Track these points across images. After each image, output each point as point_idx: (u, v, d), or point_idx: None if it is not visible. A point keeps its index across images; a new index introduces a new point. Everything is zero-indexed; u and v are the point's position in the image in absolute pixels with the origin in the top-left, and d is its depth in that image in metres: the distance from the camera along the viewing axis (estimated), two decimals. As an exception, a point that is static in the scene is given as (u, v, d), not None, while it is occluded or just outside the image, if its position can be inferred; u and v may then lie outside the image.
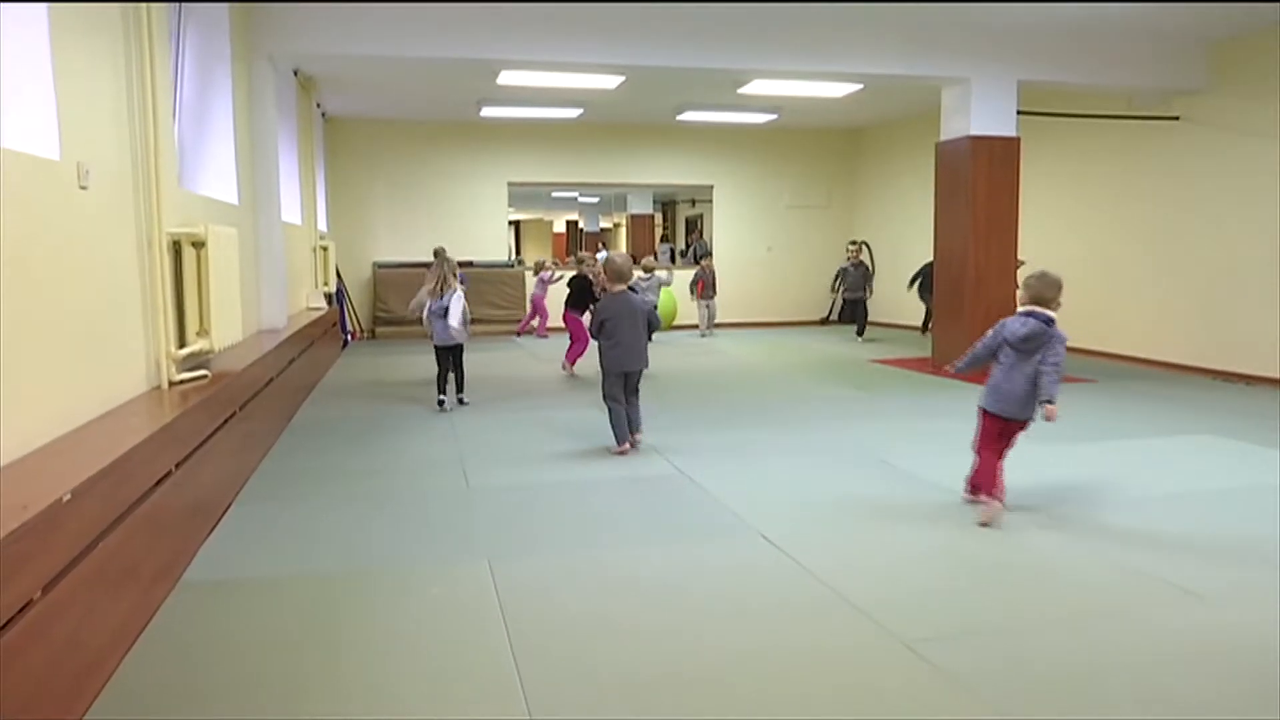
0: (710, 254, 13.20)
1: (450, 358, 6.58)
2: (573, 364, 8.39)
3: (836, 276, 12.14)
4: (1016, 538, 3.64)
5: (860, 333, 11.01)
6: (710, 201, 13.94)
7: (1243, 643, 2.66)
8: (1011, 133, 7.86)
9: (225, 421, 4.13)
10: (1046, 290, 3.86)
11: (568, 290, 8.73)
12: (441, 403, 6.51)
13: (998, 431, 3.96)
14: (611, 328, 5.07)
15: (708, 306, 11.78)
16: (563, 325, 8.88)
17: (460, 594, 3.07)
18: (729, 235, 13.48)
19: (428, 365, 8.11)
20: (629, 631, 2.76)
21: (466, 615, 2.89)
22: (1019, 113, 7.90)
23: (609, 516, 3.98)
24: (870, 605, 2.93)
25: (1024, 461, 4.91)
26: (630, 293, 5.24)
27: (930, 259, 8.81)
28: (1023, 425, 3.96)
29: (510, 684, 2.42)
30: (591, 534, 3.73)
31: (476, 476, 4.65)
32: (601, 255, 8.79)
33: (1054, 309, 3.86)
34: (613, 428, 5.16)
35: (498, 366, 8.99)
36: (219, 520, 3.86)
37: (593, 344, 5.88)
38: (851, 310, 11.53)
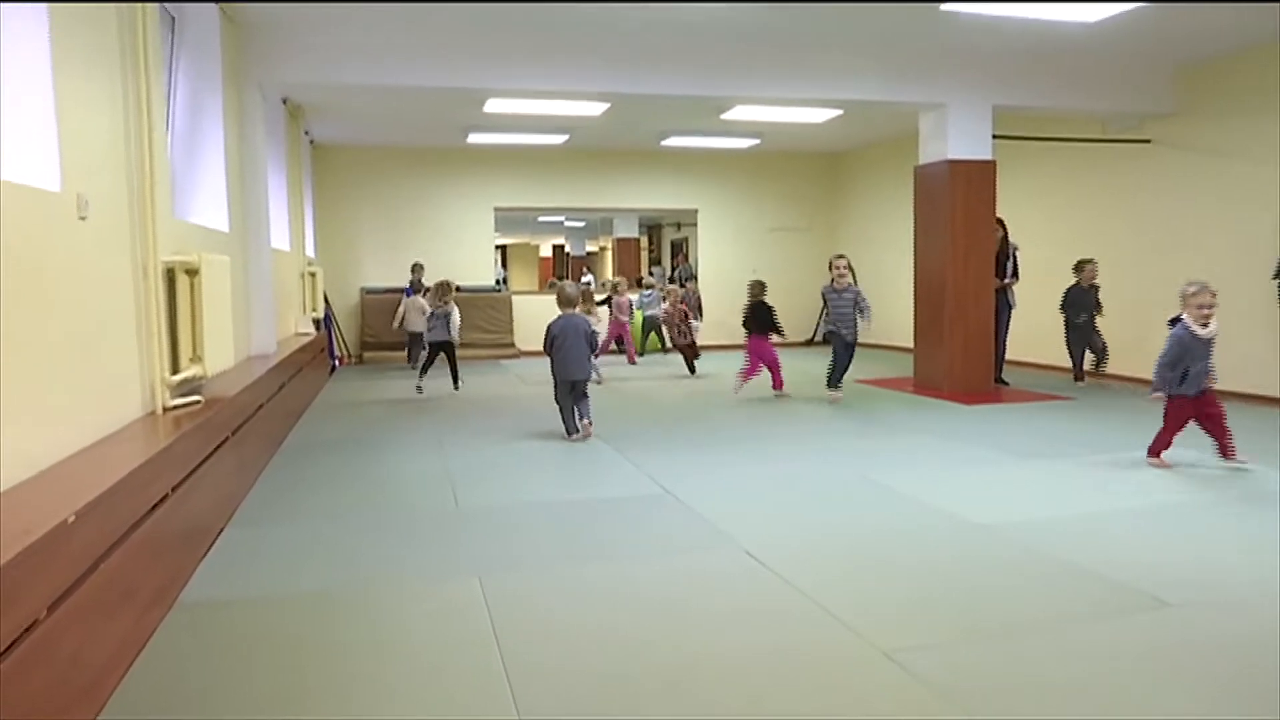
0: (695, 277, 13.34)
1: (443, 352, 8.52)
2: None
3: (824, 309, 8.47)
4: (992, 548, 3.74)
5: (831, 380, 7.77)
6: (695, 225, 14.11)
7: (1211, 648, 2.76)
8: (987, 156, 8.03)
9: (219, 446, 4.20)
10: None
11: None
12: (420, 389, 8.50)
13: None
14: (559, 344, 6.16)
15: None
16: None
17: (452, 610, 3.14)
18: (714, 258, 13.63)
19: (414, 391, 8.27)
20: (617, 643, 2.84)
21: (458, 631, 2.96)
22: (994, 137, 8.07)
23: (597, 534, 4.07)
24: (850, 615, 3.01)
25: (1001, 476, 5.03)
26: (575, 315, 6.30)
27: (1073, 283, 8.56)
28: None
29: (503, 698, 2.49)
30: (580, 551, 3.81)
31: (465, 497, 4.73)
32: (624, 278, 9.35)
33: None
34: (563, 422, 6.26)
35: (484, 389, 9.07)
36: (213, 542, 3.92)
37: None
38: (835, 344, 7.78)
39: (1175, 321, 5.00)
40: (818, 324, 13.41)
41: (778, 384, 8.14)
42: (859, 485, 4.88)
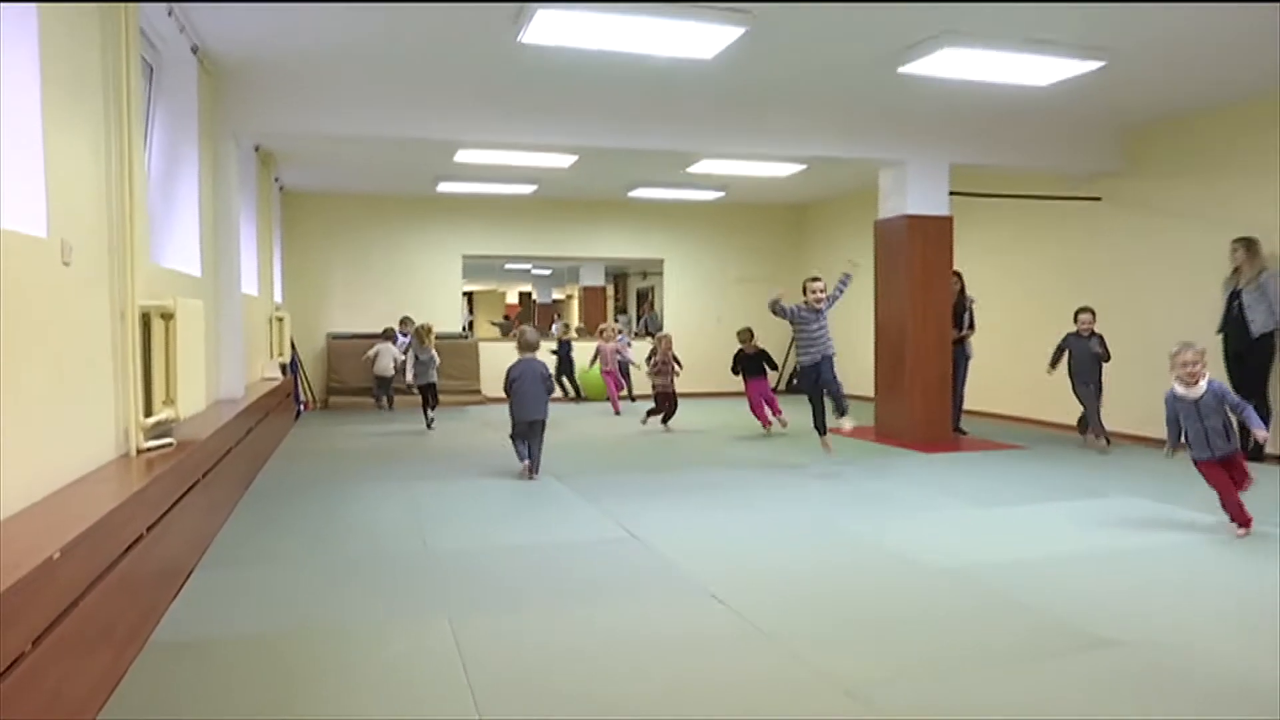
0: (660, 326, 13.47)
1: (429, 392, 9.55)
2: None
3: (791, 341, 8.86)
4: (949, 590, 3.86)
5: (818, 425, 7.17)
6: (660, 274, 14.32)
7: (1150, 685, 2.89)
8: (945, 212, 8.31)
9: (191, 488, 4.23)
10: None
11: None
12: (430, 422, 9.46)
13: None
14: (518, 386, 6.54)
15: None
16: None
17: (423, 650, 3.19)
18: (680, 307, 13.82)
19: (381, 434, 8.35)
20: (586, 683, 2.91)
21: (430, 671, 3.01)
22: (951, 193, 8.36)
23: (565, 576, 4.14)
24: (811, 654, 3.11)
25: (959, 522, 5.18)
26: (534, 359, 6.66)
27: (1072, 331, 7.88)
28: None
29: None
30: (548, 593, 3.88)
31: (434, 540, 4.78)
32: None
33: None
34: (516, 454, 6.69)
35: (451, 434, 9.11)
36: (185, 583, 3.94)
37: None
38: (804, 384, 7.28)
39: None
40: (791, 370, 13.61)
41: (777, 411, 9.06)
42: (822, 530, 5.00)
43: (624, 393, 11.28)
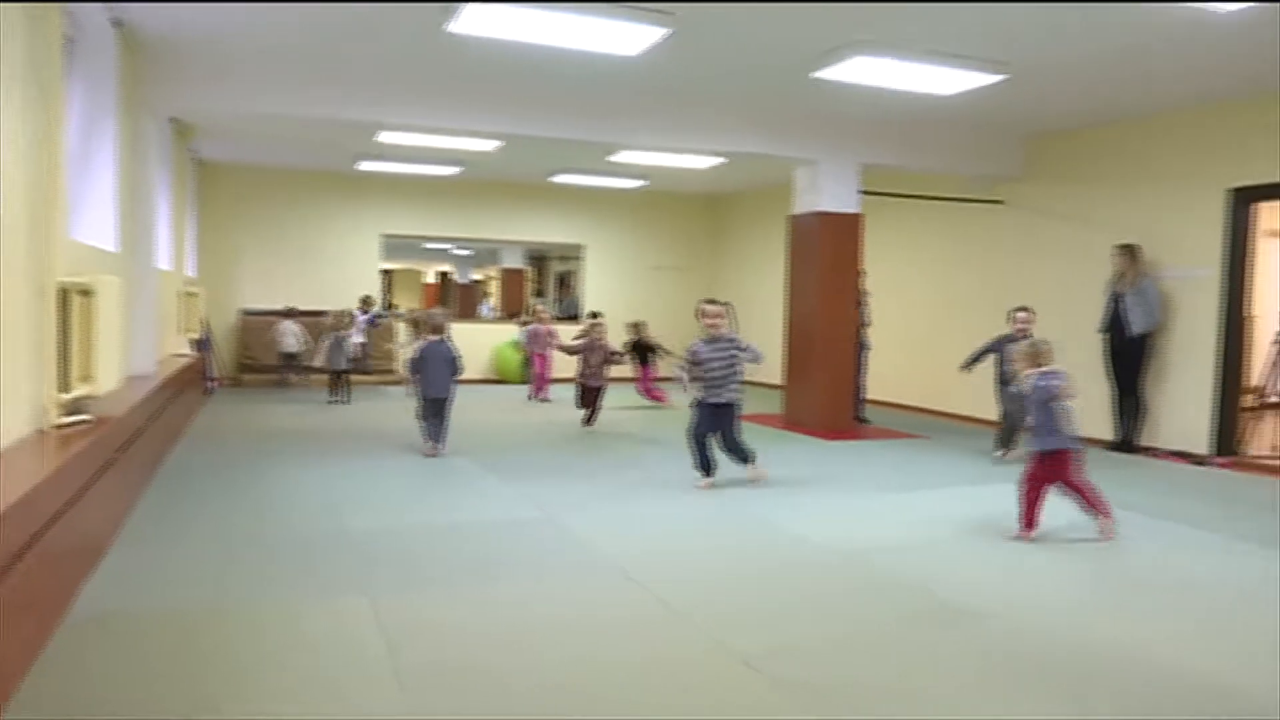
0: (595, 313, 12.95)
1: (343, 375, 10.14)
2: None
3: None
4: (841, 568, 4.14)
5: (735, 454, 6.00)
6: (580, 259, 14.46)
7: (1014, 653, 3.20)
8: (854, 210, 8.65)
9: (108, 464, 4.26)
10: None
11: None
12: (333, 401, 9.90)
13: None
14: (424, 366, 6.92)
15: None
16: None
17: (342, 626, 3.32)
18: (599, 293, 13.97)
19: (294, 412, 8.37)
20: (503, 656, 3.09)
21: (350, 648, 3.13)
22: (861, 192, 8.71)
23: (481, 554, 4.30)
24: (714, 627, 3.35)
25: (855, 505, 5.49)
26: (440, 341, 6.99)
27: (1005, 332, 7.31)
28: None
29: (398, 708, 2.70)
30: (465, 570, 4.04)
31: (350, 519, 4.88)
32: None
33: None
34: (421, 435, 6.96)
35: (368, 414, 9.14)
36: (101, 559, 3.98)
37: None
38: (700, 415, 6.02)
39: None
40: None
41: (660, 397, 9.97)
42: (728, 512, 5.25)
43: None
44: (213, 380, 11.17)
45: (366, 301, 12.08)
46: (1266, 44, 5.86)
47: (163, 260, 8.01)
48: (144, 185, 6.79)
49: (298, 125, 8.89)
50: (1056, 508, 5.16)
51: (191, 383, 8.70)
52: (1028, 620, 3.55)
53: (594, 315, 11.67)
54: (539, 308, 11.68)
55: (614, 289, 14.02)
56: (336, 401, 10.03)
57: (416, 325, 10.76)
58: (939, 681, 2.96)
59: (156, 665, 2.95)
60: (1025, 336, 6.72)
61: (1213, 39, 5.77)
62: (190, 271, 10.71)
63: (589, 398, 8.73)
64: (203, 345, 10.63)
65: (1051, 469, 4.81)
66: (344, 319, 10.35)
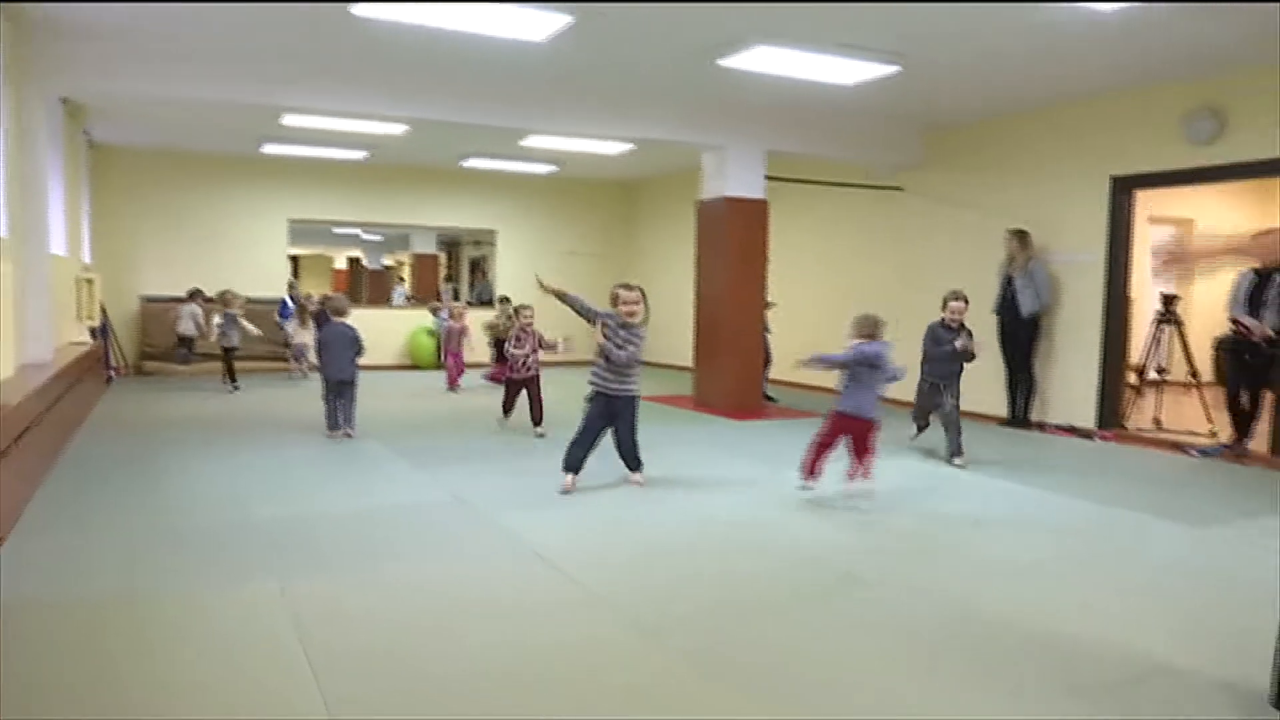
0: (507, 299, 12.72)
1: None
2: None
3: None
4: (741, 542, 4.31)
5: (631, 456, 5.54)
6: (494, 244, 14.43)
7: (902, 618, 3.40)
8: (761, 196, 8.85)
9: (3, 453, 4.17)
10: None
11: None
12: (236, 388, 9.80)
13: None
14: (326, 348, 7.16)
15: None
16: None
17: (253, 612, 3.33)
18: (513, 278, 13.94)
19: (197, 400, 8.25)
20: (413, 635, 3.15)
21: (261, 635, 3.13)
22: (767, 178, 8.91)
23: (392, 537, 4.34)
24: (620, 600, 3.48)
25: (757, 480, 5.67)
26: (344, 324, 7.15)
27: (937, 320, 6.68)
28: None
29: (309, 687, 2.72)
30: (376, 553, 4.08)
31: (258, 509, 4.85)
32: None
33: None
34: (325, 417, 7.10)
35: (273, 404, 9.01)
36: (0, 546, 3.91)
37: None
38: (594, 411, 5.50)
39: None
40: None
41: None
42: (636, 491, 5.37)
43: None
44: (112, 369, 10.86)
45: (292, 287, 12.00)
46: (1144, 41, 6.21)
47: (56, 245, 7.77)
48: (33, 168, 6.58)
49: (198, 107, 8.68)
50: (953, 477, 5.42)
51: (90, 371, 8.46)
52: (912, 590, 3.76)
53: (504, 300, 11.67)
54: (456, 306, 11.30)
55: (527, 274, 13.97)
56: (236, 389, 9.87)
57: (304, 313, 11.04)
58: (832, 643, 3.13)
59: (50, 660, 2.90)
60: (958, 326, 6.47)
61: (1095, 36, 6.08)
62: (86, 257, 10.37)
63: (515, 393, 7.59)
64: (101, 333, 10.32)
65: (847, 431, 5.19)
66: (228, 297, 10.20)
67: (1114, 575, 3.97)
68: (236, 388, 9.92)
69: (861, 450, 5.17)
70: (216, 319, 10.22)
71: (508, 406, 7.64)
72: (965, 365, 6.53)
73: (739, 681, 2.81)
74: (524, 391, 7.52)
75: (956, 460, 6.31)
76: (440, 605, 3.45)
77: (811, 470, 5.23)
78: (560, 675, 2.83)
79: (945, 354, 6.49)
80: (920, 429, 7.13)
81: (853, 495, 5.17)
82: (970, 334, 6.53)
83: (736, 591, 3.67)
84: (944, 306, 6.56)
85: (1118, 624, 3.35)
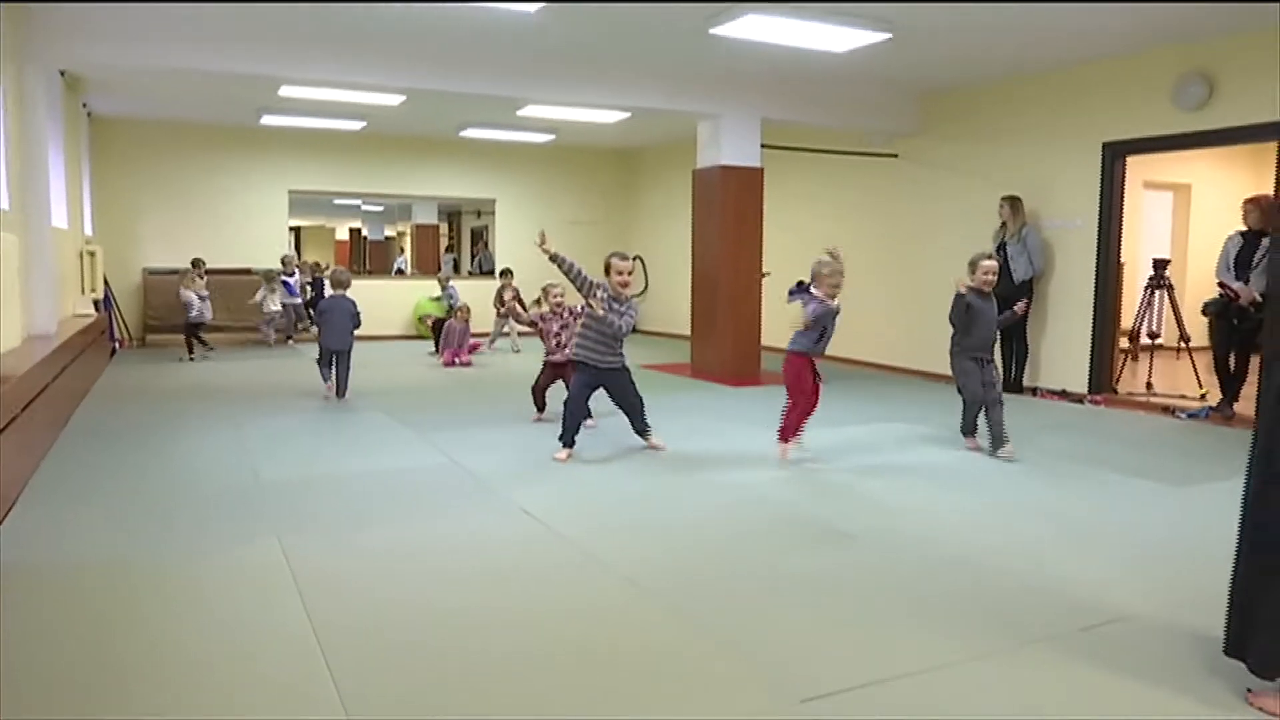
0: (509, 271, 12.66)
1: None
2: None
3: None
4: (730, 498, 4.43)
5: (639, 427, 5.71)
6: (494, 214, 14.48)
7: (885, 569, 3.52)
8: (756, 164, 8.90)
9: (8, 423, 4.29)
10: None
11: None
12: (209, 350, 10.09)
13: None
14: (325, 319, 7.40)
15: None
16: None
17: (256, 570, 3.46)
18: (511, 247, 13.99)
19: (203, 372, 8.34)
20: (411, 591, 3.28)
21: (262, 587, 3.27)
22: (763, 146, 8.95)
23: (391, 499, 4.47)
24: (605, 554, 3.60)
25: (746, 442, 5.79)
26: (344, 296, 7.43)
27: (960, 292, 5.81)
28: None
29: (310, 645, 2.83)
30: (376, 514, 4.21)
31: (265, 471, 4.99)
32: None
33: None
34: (321, 375, 7.54)
35: (276, 373, 9.14)
36: (5, 516, 4.04)
37: None
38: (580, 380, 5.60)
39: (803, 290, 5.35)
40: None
41: None
42: (624, 451, 5.50)
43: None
44: (117, 341, 10.98)
45: (285, 262, 11.95)
46: (1135, 7, 6.23)
47: (58, 218, 7.86)
48: (34, 141, 6.66)
49: (197, 78, 8.72)
50: (946, 441, 5.52)
51: (94, 343, 8.57)
52: (895, 541, 3.88)
53: (505, 273, 11.67)
54: (460, 309, 10.54)
55: (527, 243, 13.98)
56: (194, 359, 9.95)
57: (269, 279, 11.38)
58: (817, 594, 3.26)
59: (60, 622, 2.99)
60: (991, 291, 5.85)
61: (1084, 3, 6.10)
62: (88, 230, 10.46)
63: (549, 381, 6.62)
64: (105, 305, 10.43)
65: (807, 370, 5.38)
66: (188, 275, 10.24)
67: (1089, 532, 4.08)
68: (193, 359, 9.93)
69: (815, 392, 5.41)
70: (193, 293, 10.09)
71: (540, 400, 6.68)
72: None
73: (728, 637, 2.93)
74: (559, 380, 6.49)
75: (1003, 452, 5.53)
76: (433, 556, 3.60)
77: (791, 434, 5.40)
78: (558, 631, 2.95)
79: (989, 323, 5.78)
80: (975, 424, 5.84)
81: (809, 456, 5.40)
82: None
83: (715, 542, 3.79)
84: (972, 271, 5.80)
85: (1089, 576, 3.47)
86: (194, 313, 9.99)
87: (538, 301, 7.11)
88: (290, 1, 6.36)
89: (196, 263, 10.65)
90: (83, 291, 9.18)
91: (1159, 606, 3.17)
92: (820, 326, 5.33)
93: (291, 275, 11.79)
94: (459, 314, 10.44)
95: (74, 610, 3.05)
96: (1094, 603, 3.20)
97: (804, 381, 5.40)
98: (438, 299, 12.65)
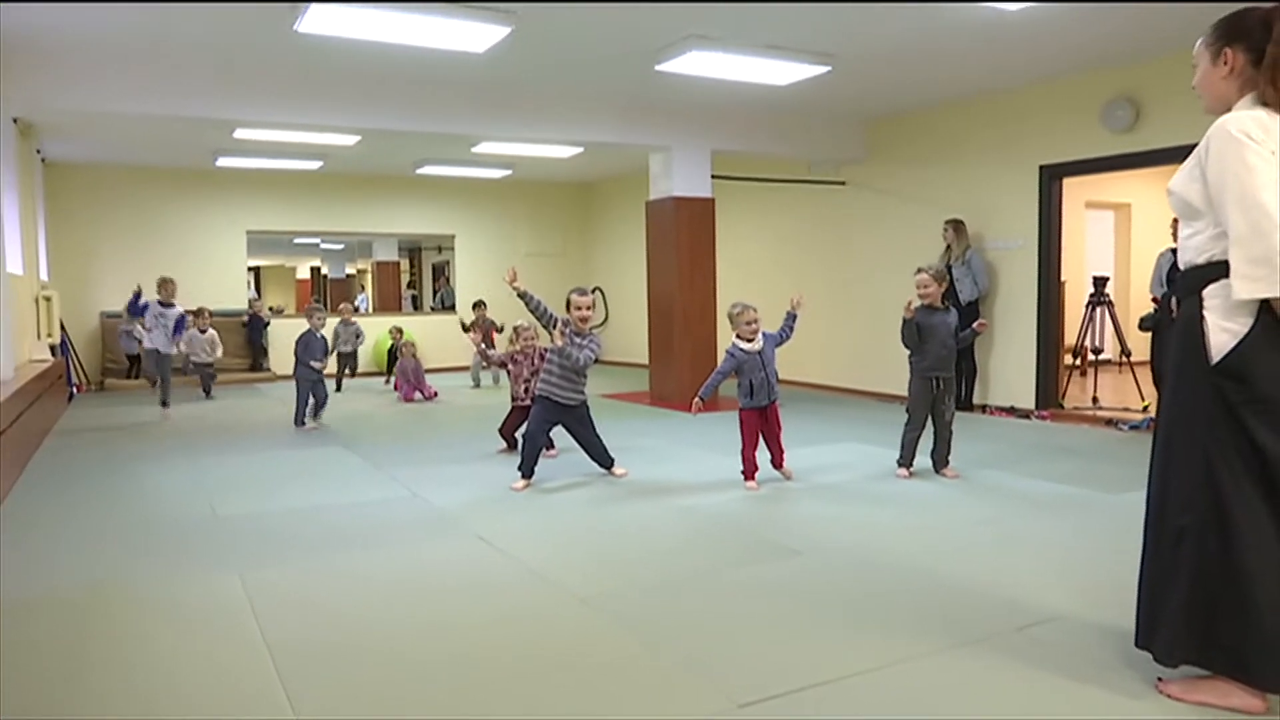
0: (481, 303, 12.48)
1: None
2: None
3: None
4: (679, 518, 4.55)
5: (601, 462, 5.76)
6: (453, 250, 14.58)
7: (828, 584, 3.65)
8: (707, 194, 9.10)
9: (-34, 466, 4.32)
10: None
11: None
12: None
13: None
14: (306, 350, 7.91)
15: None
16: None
17: (214, 603, 3.51)
18: (472, 282, 14.11)
19: (157, 412, 8.33)
20: (364, 613, 3.36)
21: (221, 620, 3.32)
22: (714, 177, 9.16)
23: (351, 530, 4.54)
24: (559, 577, 3.70)
25: (700, 465, 5.92)
26: (319, 332, 8.02)
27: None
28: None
29: (267, 672, 2.91)
30: (333, 545, 4.27)
31: (223, 507, 5.04)
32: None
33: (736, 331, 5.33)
34: (296, 413, 7.99)
35: (238, 411, 9.15)
36: (-36, 559, 4.06)
37: None
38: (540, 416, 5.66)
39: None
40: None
41: None
42: (591, 479, 5.60)
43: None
44: (74, 385, 10.92)
45: (253, 304, 12.12)
46: (1052, 36, 6.52)
47: (13, 265, 7.87)
48: (-10, 189, 6.69)
49: (151, 123, 8.79)
50: (887, 463, 5.67)
51: (52, 388, 8.55)
52: (837, 556, 4.01)
53: (478, 305, 11.51)
54: (403, 345, 10.57)
55: (487, 277, 14.16)
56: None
57: (198, 316, 10.30)
58: (764, 610, 3.37)
59: (18, 656, 3.04)
60: (944, 307, 5.67)
61: (1007, 32, 6.38)
62: (44, 275, 10.43)
63: (518, 423, 6.39)
64: (62, 350, 10.39)
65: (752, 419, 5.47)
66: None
67: (1026, 539, 4.25)
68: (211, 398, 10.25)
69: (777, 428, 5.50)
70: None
71: (509, 438, 6.63)
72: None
73: (673, 644, 3.04)
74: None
75: (948, 471, 5.61)
76: (390, 584, 3.67)
77: (752, 473, 5.44)
78: (497, 642, 3.05)
79: (943, 339, 5.54)
80: (913, 454, 5.65)
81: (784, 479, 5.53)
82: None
83: (668, 565, 3.89)
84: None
85: (1024, 580, 3.62)
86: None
87: (511, 340, 7.03)
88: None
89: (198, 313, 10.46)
90: (39, 336, 9.16)
91: (1088, 606, 3.32)
92: (745, 378, 5.37)
93: (171, 306, 8.99)
94: (404, 350, 10.42)
95: (35, 640, 3.10)
96: (1028, 604, 3.35)
97: (750, 430, 5.44)
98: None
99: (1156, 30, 6.35)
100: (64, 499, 5.30)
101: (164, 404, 8.80)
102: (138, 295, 8.88)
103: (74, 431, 7.97)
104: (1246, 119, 2.37)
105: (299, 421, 8.01)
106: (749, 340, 5.38)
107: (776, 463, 5.56)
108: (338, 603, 3.49)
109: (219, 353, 10.52)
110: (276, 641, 3.09)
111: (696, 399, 5.47)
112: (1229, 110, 2.48)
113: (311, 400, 8.05)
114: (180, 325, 8.93)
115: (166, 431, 7.93)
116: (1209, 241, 2.47)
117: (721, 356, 5.54)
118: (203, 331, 10.34)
